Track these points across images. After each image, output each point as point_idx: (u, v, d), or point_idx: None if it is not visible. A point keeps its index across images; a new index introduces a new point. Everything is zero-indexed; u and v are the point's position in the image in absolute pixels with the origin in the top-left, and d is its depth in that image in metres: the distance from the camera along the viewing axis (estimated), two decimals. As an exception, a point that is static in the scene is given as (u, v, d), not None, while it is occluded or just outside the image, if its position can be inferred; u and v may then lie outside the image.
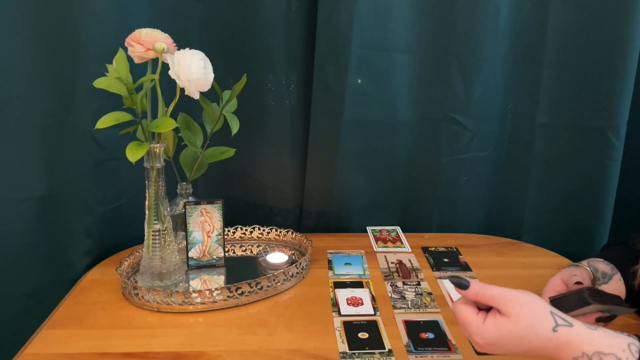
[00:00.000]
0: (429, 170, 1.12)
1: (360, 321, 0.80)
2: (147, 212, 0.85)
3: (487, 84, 1.06)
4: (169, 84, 0.82)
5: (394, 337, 0.76)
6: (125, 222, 1.00)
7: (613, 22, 1.00)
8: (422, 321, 0.80)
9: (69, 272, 0.94)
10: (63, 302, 0.85)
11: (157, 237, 0.86)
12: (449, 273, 0.96)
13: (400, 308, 0.84)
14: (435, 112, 1.08)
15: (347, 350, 0.72)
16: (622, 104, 1.04)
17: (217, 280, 0.93)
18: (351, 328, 0.78)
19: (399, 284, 0.91)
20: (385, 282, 0.92)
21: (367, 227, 1.15)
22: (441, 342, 0.75)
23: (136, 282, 0.88)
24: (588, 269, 0.77)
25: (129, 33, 0.79)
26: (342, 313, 0.82)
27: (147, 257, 0.87)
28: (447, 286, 0.90)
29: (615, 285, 0.75)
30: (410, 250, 1.05)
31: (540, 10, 1.03)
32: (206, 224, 0.95)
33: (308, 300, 0.86)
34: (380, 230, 1.14)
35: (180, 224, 0.95)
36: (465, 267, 0.98)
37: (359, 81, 1.02)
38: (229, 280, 0.92)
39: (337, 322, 0.79)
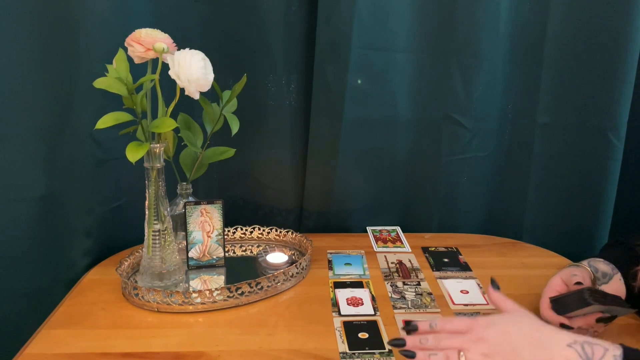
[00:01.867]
0: (429, 170, 1.12)
1: (360, 321, 0.80)
2: (147, 212, 0.85)
3: (487, 84, 1.06)
4: (169, 84, 0.82)
5: (394, 337, 0.75)
6: (125, 222, 1.00)
7: (613, 22, 1.00)
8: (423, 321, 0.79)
9: (69, 272, 0.94)
10: (63, 302, 0.85)
11: (157, 237, 0.86)
12: (449, 273, 0.95)
13: (400, 308, 0.84)
14: (435, 112, 1.08)
15: (347, 350, 0.72)
16: (622, 104, 1.04)
17: (217, 280, 0.93)
18: (351, 328, 0.78)
19: (399, 284, 0.91)
20: (385, 282, 0.92)
21: (367, 227, 1.15)
22: (441, 342, 0.74)
23: (136, 282, 0.88)
24: (588, 269, 0.76)
25: (129, 33, 0.79)
26: (342, 313, 0.82)
27: (147, 257, 0.87)
28: (447, 286, 0.90)
29: (616, 286, 0.75)
30: (410, 250, 1.05)
31: (540, 10, 1.03)
32: (206, 224, 0.95)
33: (308, 300, 0.86)
34: (380, 231, 1.14)
35: (180, 224, 0.95)
36: (465, 267, 0.98)
37: (359, 81, 1.02)
38: (229, 280, 0.92)
39: (337, 322, 0.79)
